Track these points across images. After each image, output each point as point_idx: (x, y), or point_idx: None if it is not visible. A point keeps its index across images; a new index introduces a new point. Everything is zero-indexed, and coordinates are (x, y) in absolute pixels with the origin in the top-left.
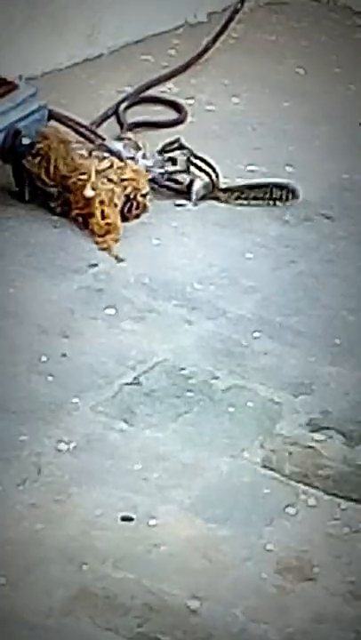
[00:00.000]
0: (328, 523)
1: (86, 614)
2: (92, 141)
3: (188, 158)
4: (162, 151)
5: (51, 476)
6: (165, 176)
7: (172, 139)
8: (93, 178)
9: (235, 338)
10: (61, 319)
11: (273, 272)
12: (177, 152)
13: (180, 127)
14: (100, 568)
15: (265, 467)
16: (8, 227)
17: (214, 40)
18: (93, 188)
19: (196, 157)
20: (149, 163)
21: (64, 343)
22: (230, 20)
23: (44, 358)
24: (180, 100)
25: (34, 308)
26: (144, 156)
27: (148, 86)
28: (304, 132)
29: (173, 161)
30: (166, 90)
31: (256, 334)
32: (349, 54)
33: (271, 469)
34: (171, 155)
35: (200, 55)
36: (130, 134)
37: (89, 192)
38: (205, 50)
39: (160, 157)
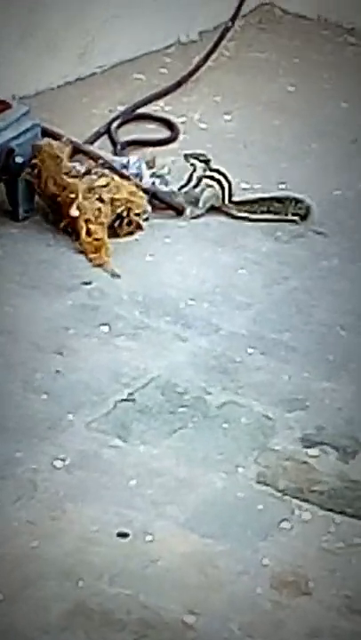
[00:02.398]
0: (323, 537)
1: (83, 629)
2: (94, 158)
3: (206, 169)
4: (186, 158)
5: (46, 492)
6: (169, 194)
7: (187, 152)
8: (80, 198)
9: (228, 354)
10: (56, 336)
11: (266, 288)
12: (198, 162)
13: (172, 145)
14: (96, 584)
15: (259, 482)
16: (2, 245)
17: (206, 58)
18: (79, 208)
19: (213, 170)
20: (155, 179)
21: (59, 360)
22: (221, 38)
23: (38, 375)
24: (173, 118)
25: (28, 326)
26: (153, 175)
27: (141, 104)
28: (296, 150)
29: (194, 168)
30: (158, 108)
31: (250, 350)
32: (340, 71)
33: (266, 485)
34: (192, 162)
35: (192, 73)
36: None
37: (74, 212)
38: (197, 68)
39: (167, 173)
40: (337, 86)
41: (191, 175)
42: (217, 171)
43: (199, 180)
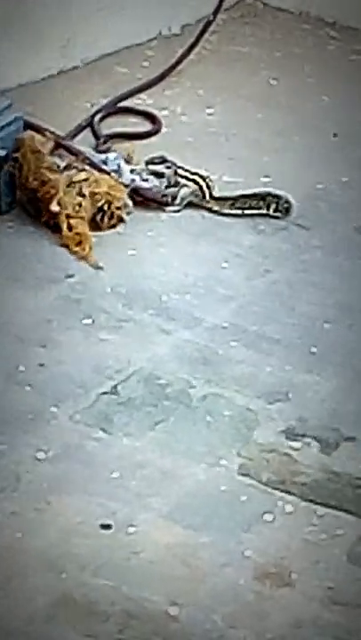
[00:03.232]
0: (305, 529)
1: (67, 621)
2: (74, 154)
3: (175, 172)
4: (146, 165)
5: (30, 484)
6: (152, 189)
7: (156, 154)
8: (61, 193)
9: (211, 347)
10: (39, 329)
11: (248, 281)
12: (162, 166)
13: (154, 138)
14: (79, 575)
15: (242, 474)
16: None
17: (188, 52)
18: (59, 203)
19: (183, 169)
20: (134, 176)
21: (42, 353)
22: (204, 31)
23: (21, 368)
24: (155, 112)
25: (11, 319)
26: (132, 171)
27: (123, 98)
28: (278, 143)
29: (159, 175)
30: (141, 101)
31: (232, 343)
32: (322, 65)
33: (249, 477)
34: (156, 168)
35: (174, 67)
36: (128, 145)
37: (54, 207)
38: (179, 61)
39: (146, 170)
40: (319, 80)
41: (162, 177)
42: (188, 171)
43: (172, 181)
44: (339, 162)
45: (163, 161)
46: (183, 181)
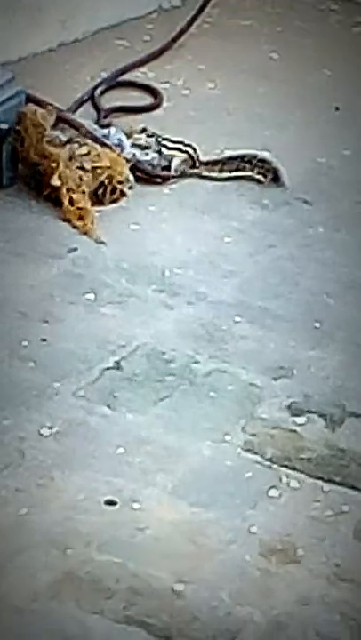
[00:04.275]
0: (311, 505)
1: (72, 598)
2: (76, 127)
3: (159, 142)
4: (128, 138)
5: (34, 460)
6: (152, 163)
7: (137, 127)
8: (62, 167)
9: (215, 322)
10: (41, 304)
11: (252, 257)
12: (147, 139)
13: (156, 112)
14: (84, 552)
15: (247, 450)
16: None
17: (189, 25)
18: (60, 178)
19: (168, 140)
20: (135, 150)
21: (45, 328)
22: (204, 4)
23: (24, 344)
24: (156, 85)
25: (14, 294)
26: (134, 145)
27: (124, 71)
28: (279, 117)
29: (145, 148)
30: (141, 75)
31: (236, 318)
32: (323, 39)
33: (253, 453)
34: (141, 142)
35: (175, 40)
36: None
37: (55, 181)
38: (180, 35)
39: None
40: (320, 54)
41: (147, 149)
42: (174, 141)
43: (159, 149)
44: (340, 136)
45: (143, 130)
46: (169, 152)
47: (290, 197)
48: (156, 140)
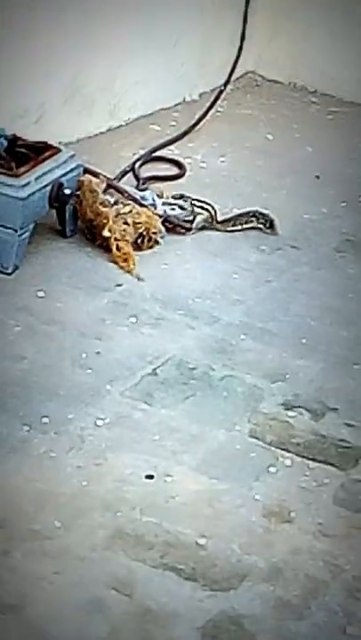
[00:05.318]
0: (301, 478)
1: (121, 549)
2: (121, 192)
3: (191, 202)
4: (172, 198)
5: (91, 445)
6: (178, 218)
7: (176, 193)
8: (110, 222)
9: (226, 339)
10: (96, 326)
11: (254, 289)
12: (181, 200)
13: (181, 180)
14: (130, 514)
15: (252, 436)
16: (54, 256)
17: (205, 114)
18: (110, 230)
19: (198, 200)
20: (166, 207)
21: (98, 344)
22: (217, 98)
23: (83, 355)
24: (181, 159)
25: (75, 318)
26: (164, 204)
27: (157, 149)
28: (274, 183)
29: (181, 207)
30: (170, 152)
31: (242, 336)
32: (306, 123)
33: (257, 438)
34: (177, 202)
35: (195, 125)
36: (161, 185)
37: (106, 233)
38: (199, 121)
39: (174, 204)
40: (304, 135)
41: (183, 207)
42: (201, 201)
43: (189, 209)
44: (320, 197)
45: (182, 196)
46: (198, 210)
47: (282, 244)
48: (190, 201)
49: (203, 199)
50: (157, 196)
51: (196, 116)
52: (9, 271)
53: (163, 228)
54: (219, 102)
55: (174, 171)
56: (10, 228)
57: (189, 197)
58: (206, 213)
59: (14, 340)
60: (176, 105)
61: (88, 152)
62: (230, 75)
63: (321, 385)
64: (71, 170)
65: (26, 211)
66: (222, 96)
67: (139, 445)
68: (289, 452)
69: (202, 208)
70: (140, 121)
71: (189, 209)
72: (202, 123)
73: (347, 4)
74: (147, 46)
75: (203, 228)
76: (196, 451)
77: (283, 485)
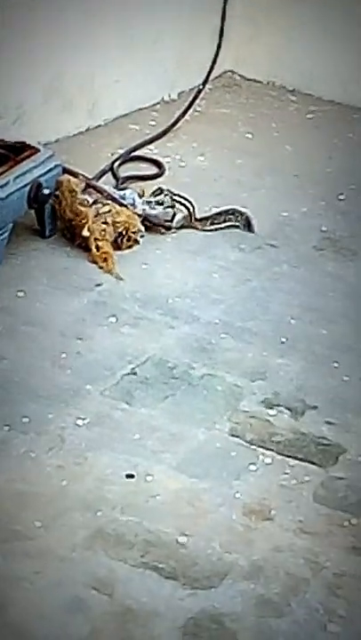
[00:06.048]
0: (281, 476)
1: (102, 549)
2: (100, 192)
3: (171, 197)
4: (151, 195)
5: (72, 444)
6: (158, 217)
7: (155, 188)
8: (90, 222)
9: (206, 338)
10: (76, 326)
11: (233, 288)
12: (162, 195)
13: (160, 179)
14: (111, 514)
15: (232, 435)
16: (33, 257)
17: (184, 113)
18: (89, 230)
19: (178, 195)
20: (145, 206)
21: (78, 344)
22: (196, 98)
23: (63, 355)
24: (160, 159)
25: (55, 318)
26: (143, 203)
27: (135, 149)
28: (253, 182)
29: (160, 203)
30: (149, 151)
31: (222, 335)
32: (285, 122)
33: (237, 437)
34: (157, 198)
35: (174, 124)
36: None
37: (85, 232)
38: (177, 121)
39: (153, 202)
40: (283, 134)
41: (162, 202)
42: (180, 196)
43: (168, 203)
44: (299, 196)
45: (161, 191)
46: (178, 206)
47: (262, 243)
48: (170, 195)
49: (182, 194)
50: (138, 195)
51: (175, 116)
52: None
53: (142, 228)
54: (198, 101)
55: (153, 170)
56: None
57: (169, 192)
58: (185, 211)
59: None
60: (155, 104)
61: (67, 152)
62: (209, 74)
63: (301, 383)
64: (50, 170)
65: (4, 211)
66: (201, 95)
67: (119, 445)
68: (269, 450)
69: (180, 204)
70: (119, 120)
71: (169, 203)
72: (181, 122)
73: (326, 3)
74: (125, 46)
75: (182, 227)
76: (177, 450)
77: (263, 483)
